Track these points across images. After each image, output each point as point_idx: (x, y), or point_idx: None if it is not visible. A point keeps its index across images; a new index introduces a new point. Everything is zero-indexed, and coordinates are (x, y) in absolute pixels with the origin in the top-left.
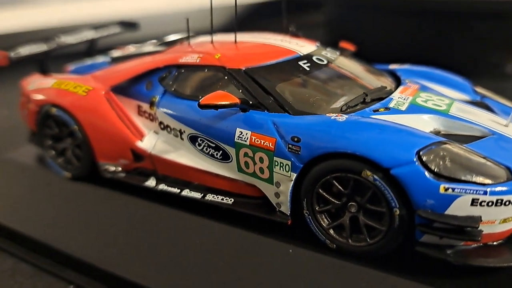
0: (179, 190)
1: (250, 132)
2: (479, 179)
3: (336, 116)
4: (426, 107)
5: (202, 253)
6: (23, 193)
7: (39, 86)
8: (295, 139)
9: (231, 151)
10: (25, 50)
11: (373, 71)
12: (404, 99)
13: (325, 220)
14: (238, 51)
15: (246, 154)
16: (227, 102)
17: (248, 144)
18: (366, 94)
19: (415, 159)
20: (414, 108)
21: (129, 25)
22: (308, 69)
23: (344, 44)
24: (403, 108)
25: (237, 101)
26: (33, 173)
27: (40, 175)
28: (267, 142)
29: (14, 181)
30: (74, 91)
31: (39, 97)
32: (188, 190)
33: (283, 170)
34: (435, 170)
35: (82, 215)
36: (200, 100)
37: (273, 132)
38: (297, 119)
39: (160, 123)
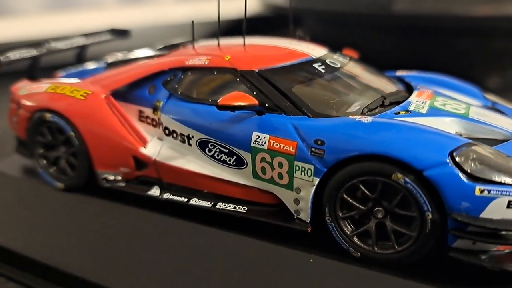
0: (186, 199)
1: (268, 136)
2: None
3: (361, 118)
4: (446, 110)
5: (214, 266)
6: (10, 206)
7: (32, 91)
8: (319, 142)
9: (247, 156)
10: (15, 55)
11: (383, 76)
12: (423, 102)
13: (349, 227)
14: (248, 53)
15: (263, 159)
16: (246, 103)
17: (266, 148)
18: (385, 97)
19: (448, 160)
20: (434, 111)
21: (120, 32)
22: (323, 71)
23: (347, 51)
24: (424, 111)
25: (256, 102)
26: (20, 184)
27: (28, 186)
28: (287, 146)
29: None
30: (71, 95)
31: (32, 102)
32: (196, 199)
33: (304, 175)
34: (469, 171)
35: (77, 229)
36: (218, 101)
37: (293, 135)
38: (319, 121)
39: (165, 128)
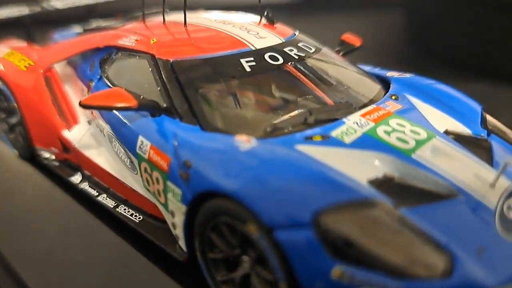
0: (97, 194)
1: (149, 144)
2: (399, 268)
3: (244, 141)
4: (385, 142)
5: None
6: None
7: None
8: (187, 164)
9: (135, 162)
10: (1, 14)
11: (356, 78)
12: (360, 125)
13: (219, 270)
14: (178, 37)
15: (145, 170)
16: (117, 105)
17: (147, 158)
18: (310, 113)
19: (309, 221)
20: (365, 142)
21: None
22: (248, 69)
23: (347, 37)
24: (349, 139)
25: (132, 104)
26: None
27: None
28: (162, 161)
29: None
30: (17, 64)
31: None
32: (105, 196)
33: (175, 199)
34: (335, 243)
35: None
36: (82, 99)
37: (170, 149)
38: (200, 137)
39: (91, 112)
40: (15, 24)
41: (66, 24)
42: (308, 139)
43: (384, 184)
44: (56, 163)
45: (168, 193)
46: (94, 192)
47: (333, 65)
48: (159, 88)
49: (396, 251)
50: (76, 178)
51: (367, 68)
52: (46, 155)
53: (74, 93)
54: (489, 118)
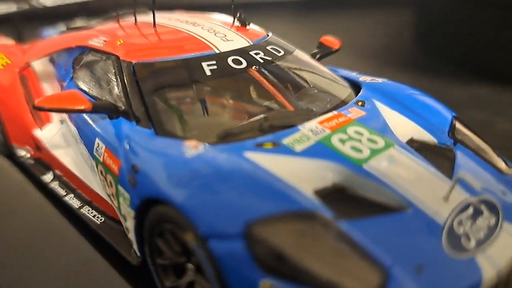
0: (65, 193)
1: (104, 147)
2: (330, 283)
3: (191, 147)
4: (337, 150)
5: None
6: None
7: None
8: (135, 169)
9: (93, 164)
10: None
11: (324, 83)
12: (315, 133)
13: (168, 276)
14: (144, 39)
15: (101, 172)
16: (70, 107)
17: (102, 161)
18: (266, 119)
19: (241, 232)
20: (317, 150)
21: None
22: (209, 73)
23: (325, 40)
24: (300, 147)
25: (86, 107)
26: None
27: None
28: (114, 165)
29: None
30: None
31: None
32: (72, 196)
33: (125, 204)
34: (266, 255)
35: None
36: (36, 101)
37: (121, 153)
38: (150, 142)
39: None
40: (4, 21)
41: (55, 22)
42: (259, 146)
43: (329, 195)
44: (31, 161)
45: (120, 197)
46: (62, 192)
47: (302, 69)
48: (119, 90)
49: (329, 266)
50: (48, 177)
51: (344, 72)
52: (22, 153)
53: (51, 92)
54: (459, 127)
